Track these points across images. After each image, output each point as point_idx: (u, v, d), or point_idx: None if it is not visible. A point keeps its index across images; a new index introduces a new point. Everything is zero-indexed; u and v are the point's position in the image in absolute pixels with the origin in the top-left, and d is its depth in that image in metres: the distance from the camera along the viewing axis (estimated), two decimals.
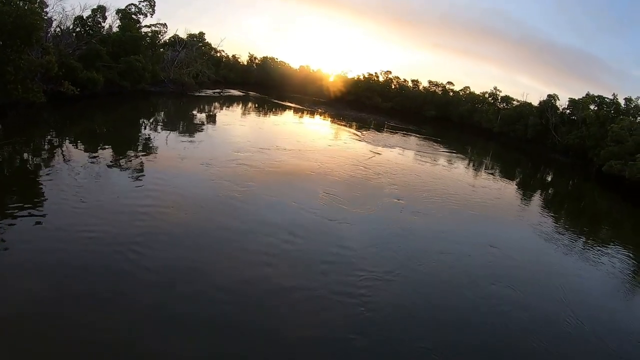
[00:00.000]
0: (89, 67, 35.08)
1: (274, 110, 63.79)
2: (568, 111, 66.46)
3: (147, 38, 49.56)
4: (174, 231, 13.73)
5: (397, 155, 38.13)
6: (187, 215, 15.16)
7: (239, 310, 10.38)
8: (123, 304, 9.74)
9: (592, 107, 62.31)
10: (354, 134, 48.35)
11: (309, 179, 23.46)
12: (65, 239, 11.97)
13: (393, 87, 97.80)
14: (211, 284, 11.24)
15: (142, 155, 22.50)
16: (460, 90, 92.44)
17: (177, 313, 9.76)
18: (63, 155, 20.49)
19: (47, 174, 17.15)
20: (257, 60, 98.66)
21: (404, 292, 12.63)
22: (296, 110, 66.70)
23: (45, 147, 21.88)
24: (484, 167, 43.92)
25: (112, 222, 13.35)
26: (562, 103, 67.86)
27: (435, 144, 53.06)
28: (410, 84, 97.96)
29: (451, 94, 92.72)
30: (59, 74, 28.53)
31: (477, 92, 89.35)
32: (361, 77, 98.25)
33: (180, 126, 35.37)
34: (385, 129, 61.07)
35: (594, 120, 57.09)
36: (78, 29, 40.46)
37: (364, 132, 52.06)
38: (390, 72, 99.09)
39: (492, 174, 41.09)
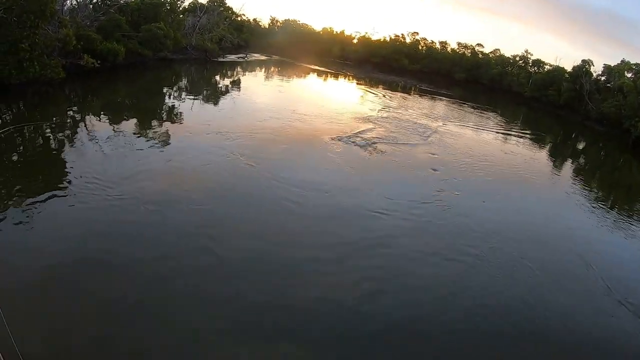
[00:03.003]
0: (109, 38, 34.23)
1: (298, 73, 62.10)
2: (603, 78, 62.12)
3: (167, 4, 48.06)
4: (203, 197, 14.93)
5: (443, 125, 37.22)
6: (211, 185, 16.02)
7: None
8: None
9: (628, 74, 57.77)
10: (383, 97, 46.80)
11: (344, 149, 23.94)
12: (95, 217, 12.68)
13: (420, 48, 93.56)
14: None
15: (166, 127, 22.96)
16: (490, 52, 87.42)
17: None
18: (87, 130, 20.61)
19: (71, 152, 17.44)
20: (279, 23, 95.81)
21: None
22: (320, 74, 64.97)
23: (68, 124, 21.66)
24: (516, 133, 41.78)
25: (139, 190, 14.44)
26: (597, 69, 63.23)
27: (472, 109, 51.18)
28: (438, 45, 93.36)
29: (480, 56, 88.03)
30: (77, 47, 27.83)
31: (507, 54, 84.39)
32: (387, 39, 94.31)
33: (204, 94, 35.17)
34: (415, 92, 59.05)
35: (632, 88, 52.65)
36: (95, 0, 39.36)
37: (394, 95, 50.41)
38: (417, 34, 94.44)
39: (526, 139, 39.28)
